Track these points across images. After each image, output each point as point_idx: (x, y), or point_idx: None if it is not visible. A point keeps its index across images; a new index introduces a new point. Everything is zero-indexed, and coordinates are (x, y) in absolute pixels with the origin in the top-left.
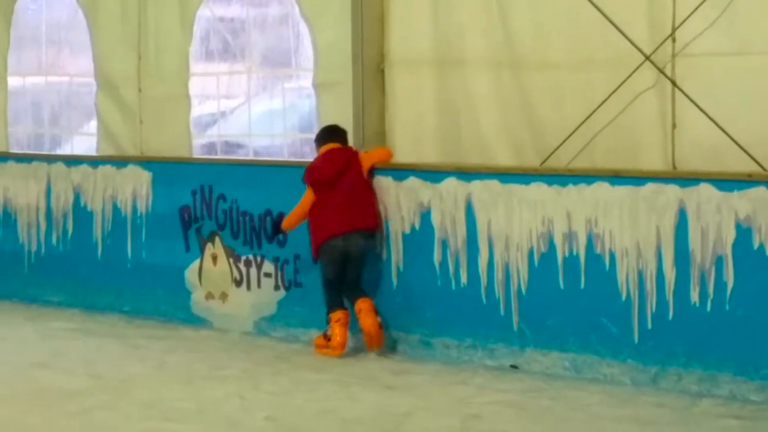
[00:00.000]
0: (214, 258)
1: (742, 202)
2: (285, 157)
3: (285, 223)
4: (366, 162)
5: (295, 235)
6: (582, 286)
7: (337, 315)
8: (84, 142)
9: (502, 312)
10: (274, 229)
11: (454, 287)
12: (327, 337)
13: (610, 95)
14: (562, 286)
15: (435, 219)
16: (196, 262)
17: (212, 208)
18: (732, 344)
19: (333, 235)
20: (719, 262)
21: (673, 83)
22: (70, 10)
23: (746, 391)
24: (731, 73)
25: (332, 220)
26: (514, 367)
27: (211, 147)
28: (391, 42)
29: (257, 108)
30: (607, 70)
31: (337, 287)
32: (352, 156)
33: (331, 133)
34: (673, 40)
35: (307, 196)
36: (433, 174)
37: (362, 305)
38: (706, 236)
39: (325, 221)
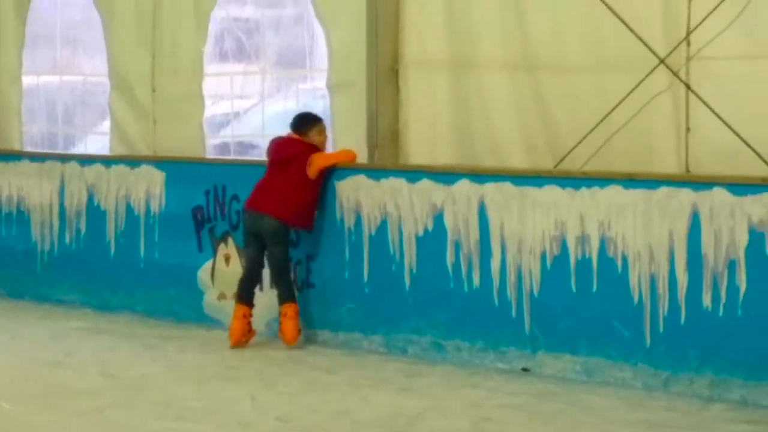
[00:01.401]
0: (227, 258)
1: (756, 207)
2: None
3: None
4: (318, 161)
5: (306, 237)
6: (594, 289)
7: (236, 307)
8: (97, 142)
9: (514, 315)
10: None
11: (466, 289)
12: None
13: (624, 98)
14: (574, 290)
15: (448, 221)
16: (209, 263)
17: (225, 209)
18: (744, 349)
19: (245, 208)
20: (732, 266)
21: (687, 87)
22: (85, 9)
23: (758, 396)
24: (746, 76)
25: (252, 196)
26: (525, 370)
27: (224, 147)
28: (405, 43)
29: (271, 108)
30: (621, 72)
31: (249, 272)
32: (303, 153)
33: (297, 123)
34: (688, 44)
35: None
36: (446, 176)
37: (286, 310)
38: (719, 240)
39: (254, 192)
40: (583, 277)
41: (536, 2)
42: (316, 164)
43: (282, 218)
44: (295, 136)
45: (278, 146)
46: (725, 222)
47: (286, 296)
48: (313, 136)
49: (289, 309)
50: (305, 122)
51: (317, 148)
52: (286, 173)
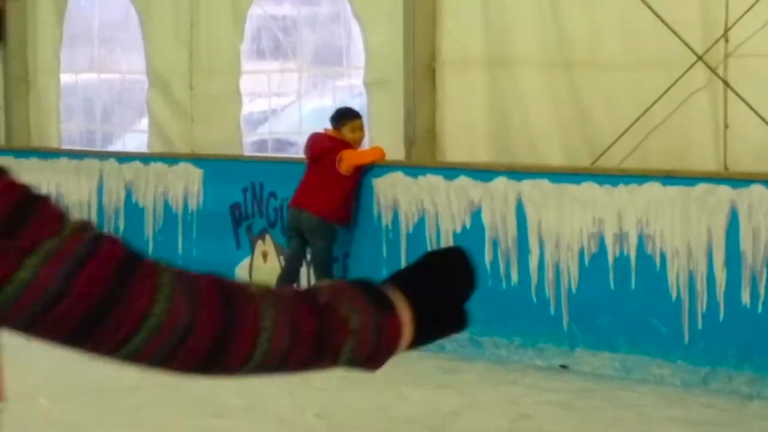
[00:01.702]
0: (265, 255)
1: None
2: None
3: None
4: (348, 158)
5: (344, 234)
6: (632, 286)
7: None
8: (135, 139)
9: (552, 312)
10: None
11: (504, 286)
12: None
13: (662, 95)
14: (612, 287)
15: (485, 218)
16: (247, 260)
17: (263, 206)
18: None
19: (289, 206)
20: None
21: (726, 84)
22: (122, 7)
23: None
24: None
25: (296, 191)
26: (563, 367)
27: (261, 144)
28: (442, 41)
29: (308, 106)
30: (659, 70)
31: (287, 268)
32: (333, 149)
33: (333, 119)
34: (726, 41)
35: None
36: (483, 173)
37: None
38: (757, 237)
39: (296, 189)
40: (621, 274)
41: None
42: (346, 161)
43: (319, 213)
44: (330, 132)
45: (312, 143)
46: (763, 219)
47: None
48: (345, 133)
49: None
50: (339, 118)
51: (348, 145)
52: (319, 170)
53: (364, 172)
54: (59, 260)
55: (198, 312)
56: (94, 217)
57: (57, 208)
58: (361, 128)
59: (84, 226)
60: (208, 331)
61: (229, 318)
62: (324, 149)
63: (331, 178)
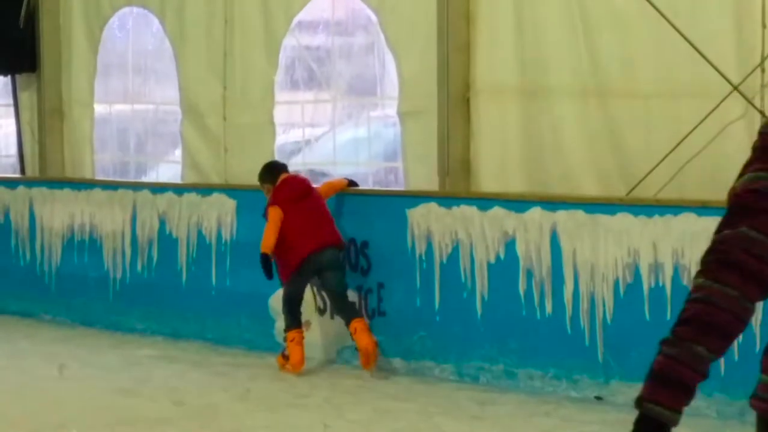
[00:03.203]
0: None
1: None
2: (369, 185)
3: (265, 246)
4: (323, 190)
5: (378, 265)
6: (668, 317)
7: (292, 335)
8: (169, 170)
9: (587, 343)
10: (265, 268)
11: (538, 317)
12: (285, 357)
13: (697, 125)
14: (647, 317)
15: (520, 248)
16: (280, 290)
17: None
18: None
19: (309, 253)
20: None
21: (762, 114)
22: (156, 38)
23: None
24: None
25: (305, 239)
26: (598, 398)
27: None
28: (476, 71)
29: (342, 136)
30: (694, 99)
31: (298, 304)
32: (310, 185)
33: (279, 166)
34: (762, 70)
35: (276, 215)
36: (518, 203)
37: (357, 325)
38: None
39: (298, 242)
40: (657, 305)
41: (607, 29)
42: (325, 191)
43: (338, 244)
44: (289, 174)
45: (295, 184)
46: None
47: (354, 313)
48: None
49: (359, 323)
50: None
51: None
52: (309, 206)
53: (399, 202)
54: None
55: None
56: (127, 248)
57: None
58: None
59: None
60: None
61: None
62: (307, 186)
63: (325, 210)
